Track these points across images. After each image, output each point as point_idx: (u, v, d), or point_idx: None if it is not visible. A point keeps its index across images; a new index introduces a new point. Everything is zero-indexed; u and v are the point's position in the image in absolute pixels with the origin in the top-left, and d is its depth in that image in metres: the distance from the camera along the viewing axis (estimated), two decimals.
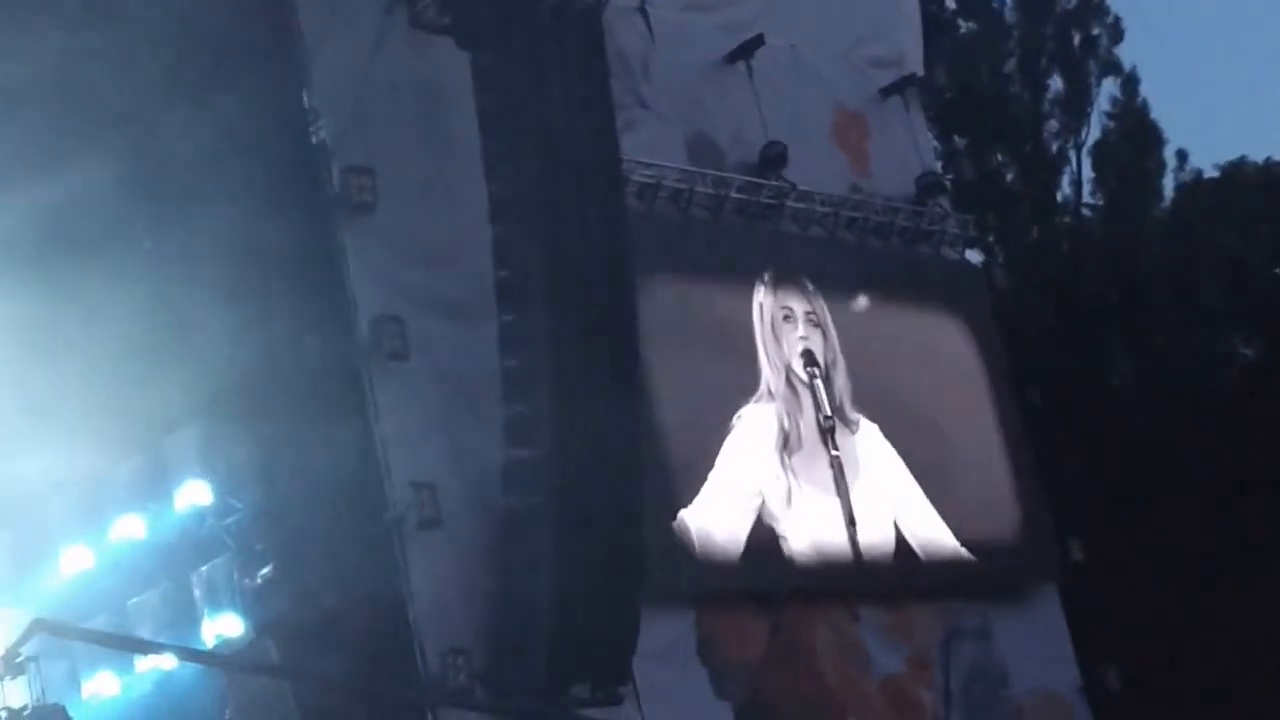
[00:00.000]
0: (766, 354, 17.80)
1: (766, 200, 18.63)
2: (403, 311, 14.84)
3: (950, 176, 22.97)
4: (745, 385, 17.42)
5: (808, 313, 18.44)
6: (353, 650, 14.54)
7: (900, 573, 17.99)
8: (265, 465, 15.37)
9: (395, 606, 14.42)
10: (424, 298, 15.02)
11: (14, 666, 11.07)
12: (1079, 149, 27.93)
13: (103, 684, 15.76)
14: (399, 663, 14.33)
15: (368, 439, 14.64)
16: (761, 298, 18.04)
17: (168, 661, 15.66)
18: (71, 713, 14.12)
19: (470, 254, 14.67)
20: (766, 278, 18.18)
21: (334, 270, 14.84)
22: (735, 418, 17.11)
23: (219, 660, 14.55)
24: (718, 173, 18.31)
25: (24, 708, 11.66)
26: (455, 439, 14.79)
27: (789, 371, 17.93)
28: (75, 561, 16.17)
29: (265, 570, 15.32)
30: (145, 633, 15.83)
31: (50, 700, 12.27)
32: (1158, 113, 28.00)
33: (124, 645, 13.05)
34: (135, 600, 16.00)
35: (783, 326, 18.14)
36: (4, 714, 11.62)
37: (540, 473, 14.19)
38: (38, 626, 11.24)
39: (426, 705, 14.19)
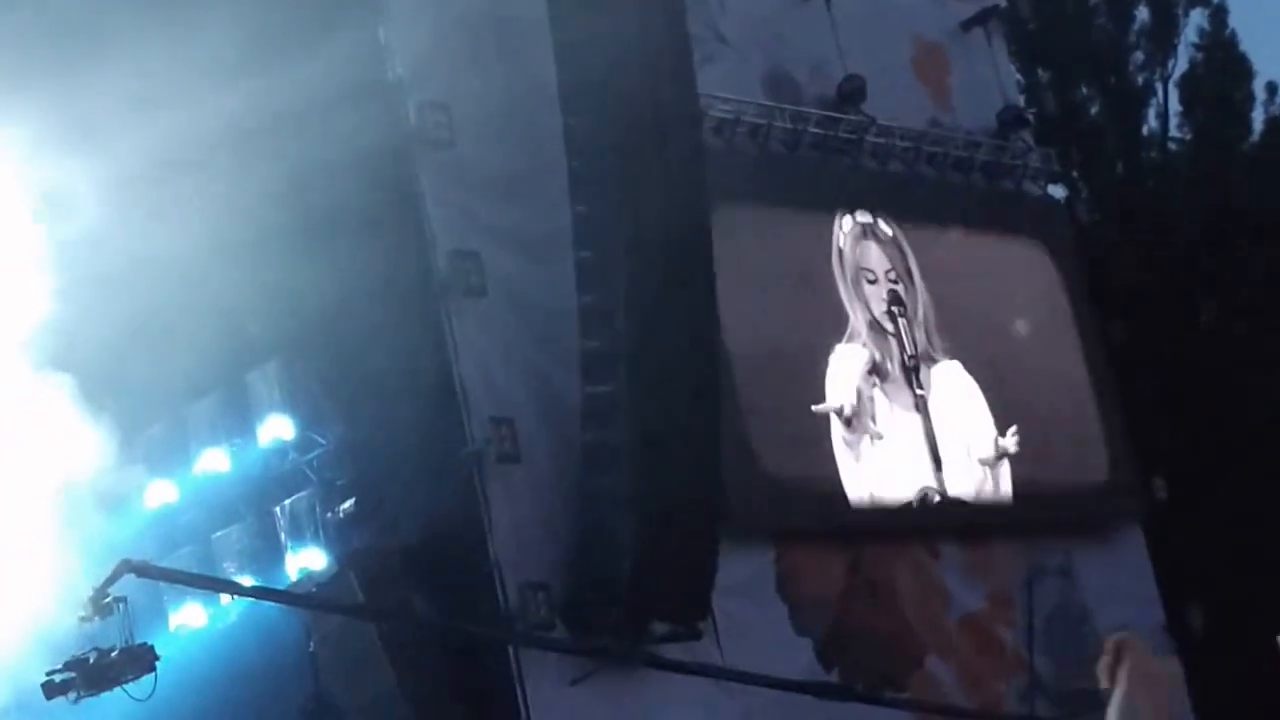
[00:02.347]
0: (847, 292, 17.70)
1: (845, 135, 18.47)
2: (480, 247, 14.86)
3: (1033, 110, 22.65)
4: (827, 323, 17.34)
5: (888, 250, 18.31)
6: (433, 584, 14.68)
7: (982, 511, 17.91)
8: (346, 401, 15.50)
9: (476, 541, 14.51)
10: (501, 233, 15.02)
11: (102, 607, 11.13)
12: (1165, 81, 27.50)
13: (190, 615, 15.97)
14: (479, 597, 14.43)
15: (446, 374, 14.70)
16: (841, 234, 17.92)
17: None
18: (158, 645, 14.26)
19: (547, 189, 14.64)
20: (845, 213, 18.06)
21: (411, 206, 14.87)
22: (824, 355, 17.05)
23: (303, 600, 14.66)
24: (795, 107, 18.17)
25: (112, 649, 11.77)
26: (533, 374, 14.82)
27: (871, 310, 17.83)
28: (160, 495, 16.40)
29: (347, 505, 15.47)
30: (230, 566, 16.02)
31: (139, 639, 12.34)
32: (1247, 45, 27.56)
33: (209, 585, 13.16)
34: (219, 534, 16.20)
35: (863, 263, 18.03)
36: (94, 655, 11.73)
37: (619, 409, 14.19)
38: (125, 567, 11.32)
39: (508, 640, 14.28)
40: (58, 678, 12.09)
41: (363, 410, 15.30)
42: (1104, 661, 8.58)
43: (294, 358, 15.73)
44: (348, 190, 14.63)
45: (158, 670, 12.22)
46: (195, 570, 16.09)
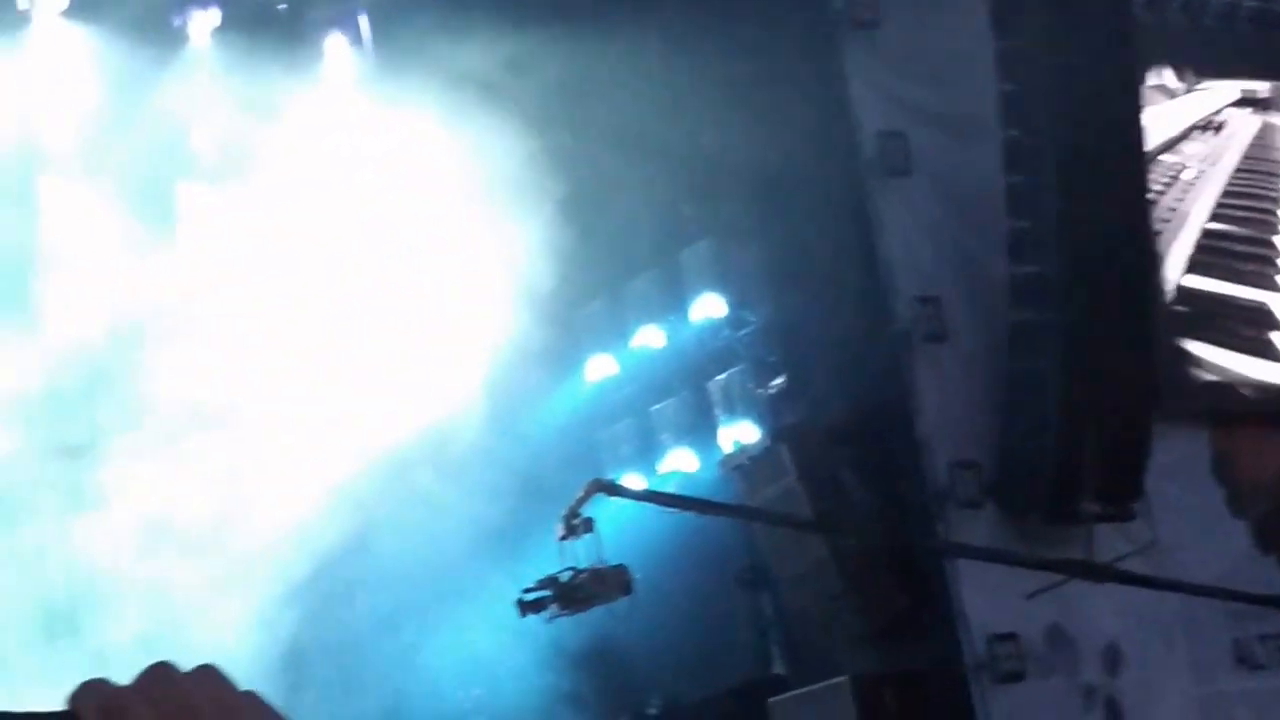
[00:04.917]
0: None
1: None
2: (905, 127, 14.80)
3: None
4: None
5: None
6: (862, 461, 14.94)
7: None
8: (775, 280, 15.77)
9: (903, 419, 14.66)
10: (926, 113, 14.91)
11: (574, 526, 11.48)
12: None
13: (629, 484, 16.63)
14: (908, 474, 14.62)
15: (872, 254, 14.79)
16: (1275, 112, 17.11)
17: (690, 464, 16.44)
18: (598, 512, 14.84)
19: (972, 69, 14.43)
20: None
21: (837, 87, 14.90)
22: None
23: (753, 514, 14.97)
24: None
25: (582, 570, 12.16)
26: (958, 253, 14.76)
27: None
28: (600, 369, 17.09)
29: (777, 381, 15.80)
30: (666, 437, 16.60)
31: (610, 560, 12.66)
32: None
33: (677, 504, 13.43)
34: (656, 407, 16.76)
35: None
36: (568, 574, 12.11)
37: (1049, 287, 14.03)
38: (595, 487, 11.69)
39: (936, 515, 14.45)
40: (532, 595, 12.58)
41: (791, 289, 15.55)
42: None
43: (725, 237, 16.07)
44: (776, 73, 14.77)
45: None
46: (634, 441, 16.79)
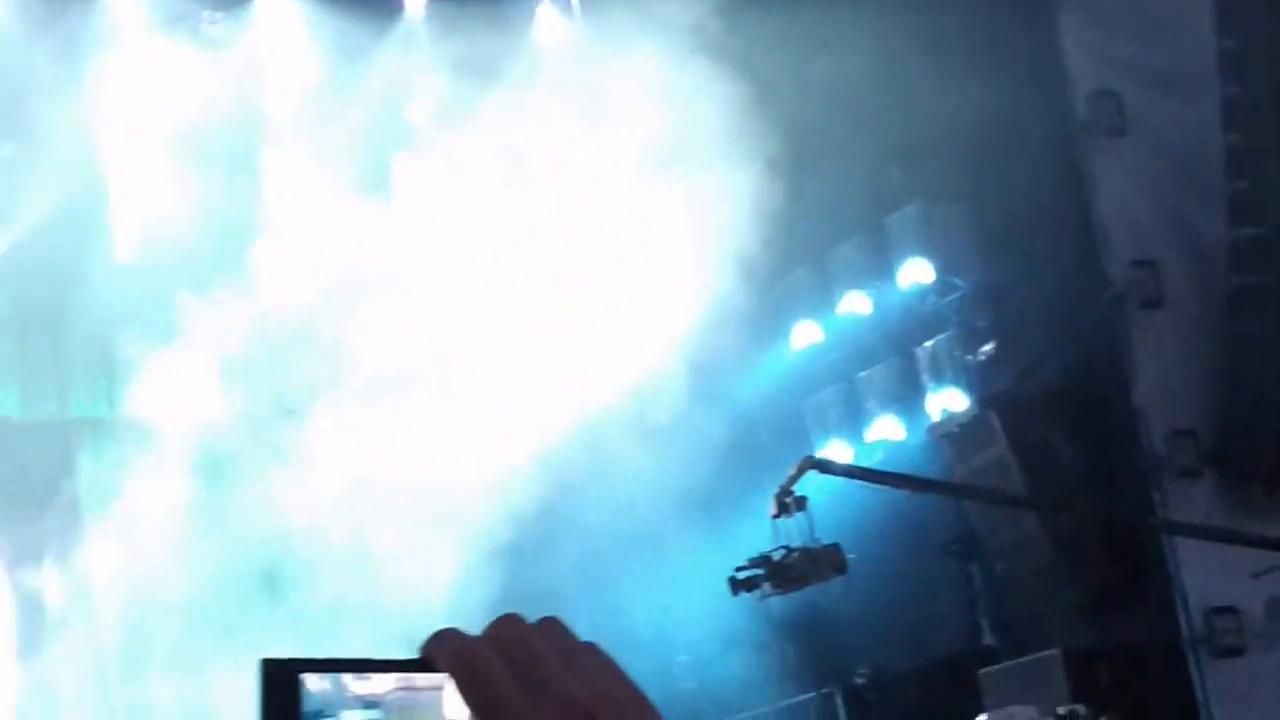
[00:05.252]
0: None
1: None
2: (1120, 86, 14.42)
3: None
4: None
5: None
6: (1075, 428, 14.62)
7: None
8: (985, 244, 15.50)
9: (1118, 385, 14.32)
10: (1142, 72, 14.49)
11: (785, 505, 11.38)
12: None
13: (834, 453, 16.50)
14: (1123, 442, 14.28)
15: (1086, 217, 14.46)
16: None
17: (897, 432, 16.26)
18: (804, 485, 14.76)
19: (1190, 25, 14.00)
20: None
21: (1049, 47, 14.56)
22: None
23: (968, 492, 14.74)
24: None
25: (794, 550, 12.03)
26: (1176, 216, 14.36)
27: None
28: (806, 336, 16.96)
29: (987, 347, 15.53)
30: (872, 405, 16.42)
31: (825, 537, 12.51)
32: None
33: (888, 481, 13.25)
34: (863, 374, 16.59)
35: None
36: (780, 552, 12.01)
37: (1270, 251, 13.59)
38: (807, 464, 11.59)
39: (1152, 485, 14.10)
40: (744, 574, 12.44)
41: (1002, 253, 15.27)
42: None
43: (933, 201, 15.82)
44: (988, 32, 14.49)
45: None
46: (840, 409, 16.65)
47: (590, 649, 1.48)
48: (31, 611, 15.73)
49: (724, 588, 13.79)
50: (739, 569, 13.09)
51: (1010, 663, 14.42)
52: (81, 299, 15.70)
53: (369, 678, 1.42)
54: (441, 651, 1.42)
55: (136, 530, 15.07)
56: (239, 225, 15.58)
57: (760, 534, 13.25)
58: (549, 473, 14.89)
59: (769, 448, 16.18)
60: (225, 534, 14.88)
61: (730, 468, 15.18)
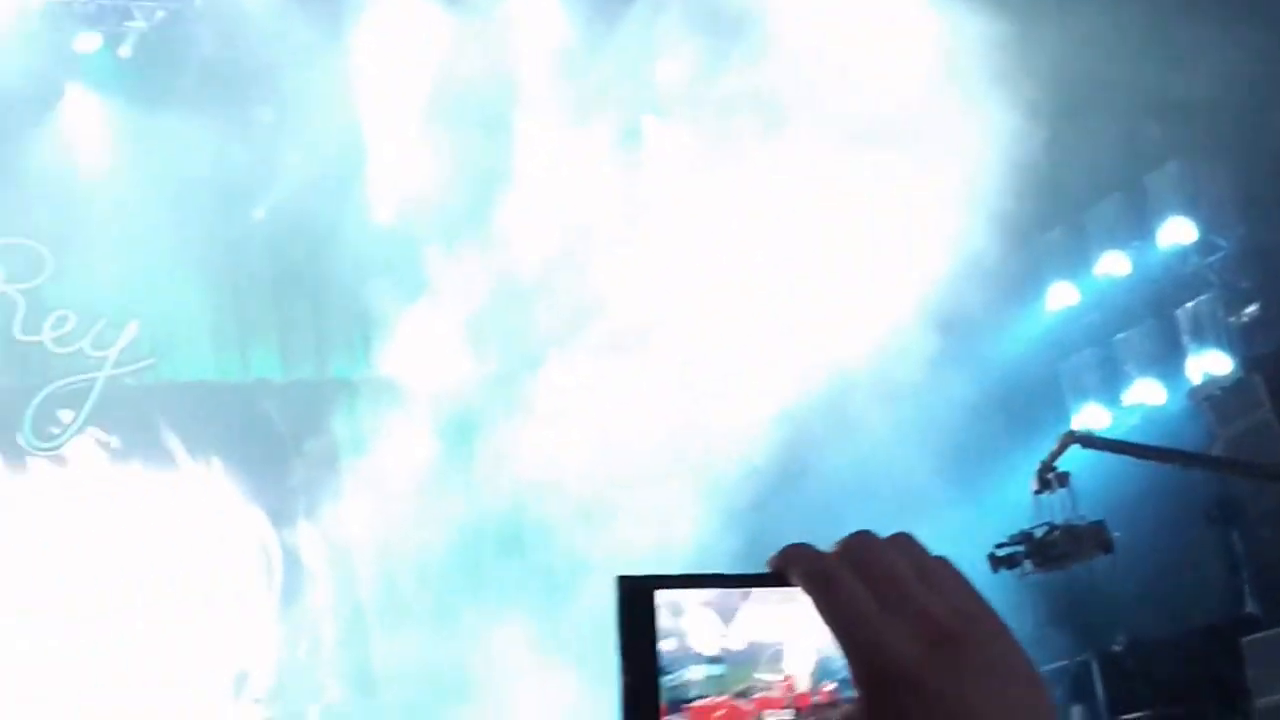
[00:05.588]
0: None
1: None
2: None
3: None
4: None
5: None
6: None
7: None
8: (1249, 201, 14.95)
9: None
10: None
11: (1047, 481, 11.01)
12: None
13: (1090, 416, 16.10)
14: None
15: None
16: None
17: (1156, 396, 15.78)
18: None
19: None
20: None
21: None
22: None
23: (1240, 469, 14.20)
24: None
25: (1057, 526, 11.63)
26: None
27: None
28: (1061, 298, 16.55)
29: (1251, 308, 15.00)
30: (1130, 368, 15.97)
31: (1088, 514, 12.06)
32: None
33: (1154, 456, 12.77)
34: (1121, 336, 16.15)
35: None
36: (1042, 529, 11.63)
37: None
38: (1070, 439, 11.24)
39: None
40: (1005, 550, 12.14)
41: (1265, 212, 14.71)
42: None
43: (1195, 159, 15.31)
44: None
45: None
46: (1097, 372, 16.22)
47: (942, 562, 1.45)
48: (289, 564, 16.18)
49: (974, 551, 13.46)
50: (999, 545, 12.72)
51: (1275, 630, 13.87)
52: (339, 261, 16.06)
53: (711, 633, 1.42)
54: (796, 566, 1.41)
55: (386, 487, 15.36)
56: (489, 184, 15.76)
57: (1014, 500, 12.92)
58: (791, 430, 14.74)
59: (1022, 411, 15.85)
60: (469, 490, 15.07)
61: (980, 430, 14.88)
